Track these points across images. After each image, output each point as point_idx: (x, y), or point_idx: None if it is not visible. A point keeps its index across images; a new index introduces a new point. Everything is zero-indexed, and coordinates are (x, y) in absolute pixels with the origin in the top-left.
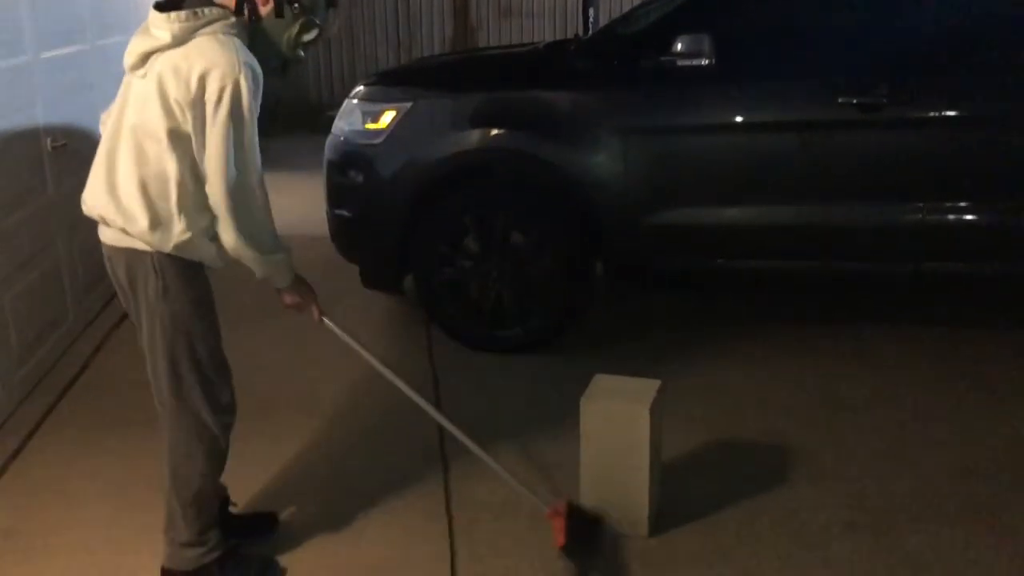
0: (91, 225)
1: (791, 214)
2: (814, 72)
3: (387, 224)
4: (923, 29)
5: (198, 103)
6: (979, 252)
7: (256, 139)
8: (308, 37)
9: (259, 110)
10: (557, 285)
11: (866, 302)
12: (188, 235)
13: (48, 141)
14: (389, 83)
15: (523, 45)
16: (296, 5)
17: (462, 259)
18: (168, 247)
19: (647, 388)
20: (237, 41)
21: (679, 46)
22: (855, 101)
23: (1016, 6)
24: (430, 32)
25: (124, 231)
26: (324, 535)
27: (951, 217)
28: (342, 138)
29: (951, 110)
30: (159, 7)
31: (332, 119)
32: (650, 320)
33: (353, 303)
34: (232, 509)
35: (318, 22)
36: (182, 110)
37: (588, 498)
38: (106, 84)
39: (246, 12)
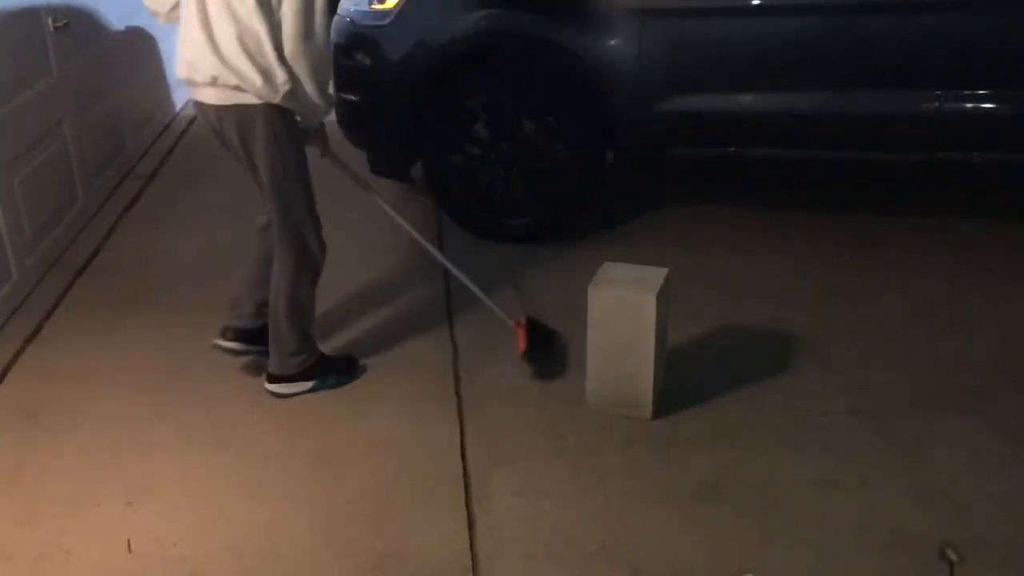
0: (98, 107)
1: (806, 102)
2: None
3: (395, 109)
4: None
5: None
6: (995, 141)
7: (325, 6)
8: None
9: None
10: (568, 173)
11: (873, 193)
12: (289, 84)
13: (50, 21)
14: None
15: None
16: None
17: (471, 146)
18: (277, 98)
19: (654, 276)
20: None
21: None
22: None
23: None
24: None
25: (237, 88)
26: (334, 412)
27: (968, 105)
28: (348, 19)
29: None
30: None
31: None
32: (660, 210)
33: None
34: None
35: None
36: None
37: (594, 381)
38: None
39: None
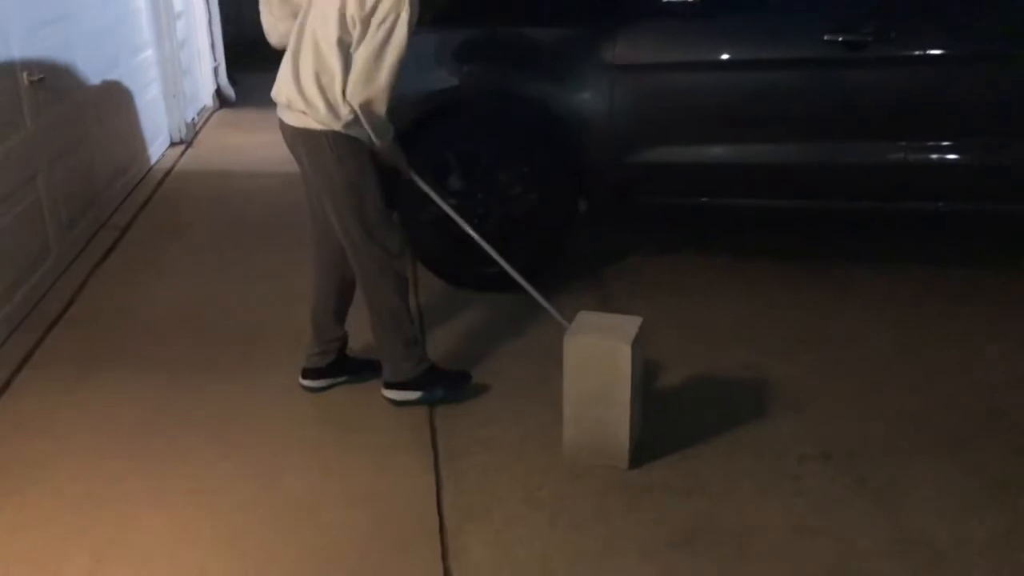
0: (72, 160)
1: (775, 153)
2: (801, 9)
3: None
4: None
5: (367, 21)
6: (959, 191)
7: (399, 58)
8: None
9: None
10: (541, 222)
11: (846, 240)
12: (352, 117)
13: (25, 76)
14: None
15: None
16: None
17: (447, 196)
18: (338, 126)
19: (629, 324)
20: None
21: None
22: (841, 39)
23: None
24: None
25: (305, 114)
26: (309, 464)
27: (933, 156)
28: None
29: (932, 49)
30: None
31: None
32: (633, 257)
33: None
34: (348, 352)
35: None
36: (354, 24)
37: (570, 429)
38: (83, 15)
39: None
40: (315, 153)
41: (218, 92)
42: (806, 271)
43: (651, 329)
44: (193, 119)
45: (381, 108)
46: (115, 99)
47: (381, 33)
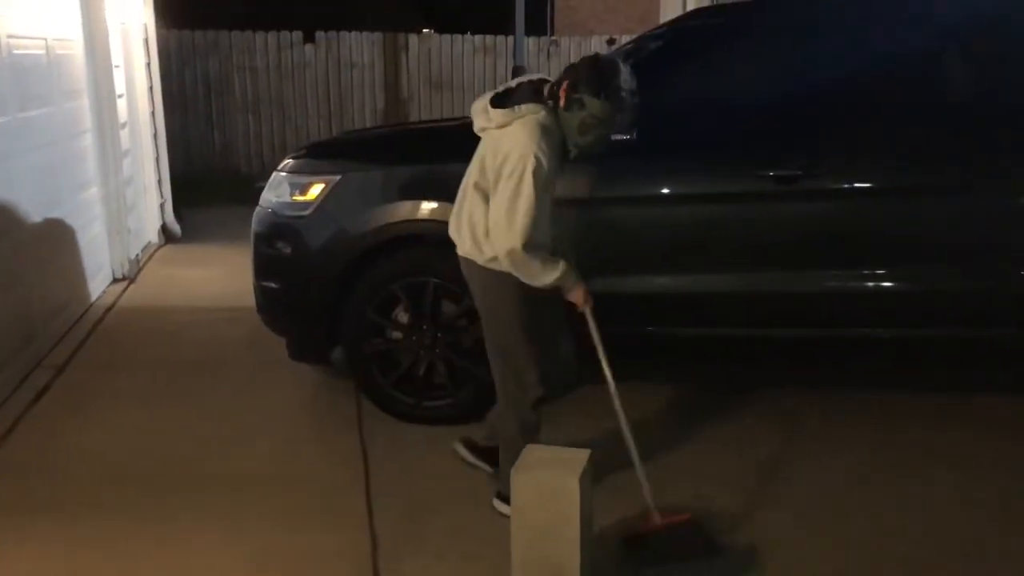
0: (8, 297)
1: (717, 283)
2: (733, 146)
3: (315, 296)
4: (835, 105)
5: (500, 170)
6: (895, 317)
7: (529, 208)
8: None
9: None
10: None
11: (789, 368)
12: (493, 256)
13: None
14: (318, 156)
15: (453, 119)
16: (584, 110)
17: (392, 329)
18: (482, 261)
19: (577, 457)
20: (540, 128)
21: None
22: (771, 173)
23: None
24: (361, 104)
25: (464, 243)
26: None
27: (868, 284)
28: (270, 210)
29: (858, 182)
30: (494, 103)
31: (261, 190)
32: (580, 388)
33: (281, 375)
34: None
35: (600, 133)
36: (492, 174)
37: (519, 571)
38: (27, 155)
39: (550, 104)
40: (470, 278)
41: (164, 228)
42: (750, 400)
43: (599, 461)
44: (137, 255)
45: (522, 254)
46: (57, 236)
47: (512, 181)
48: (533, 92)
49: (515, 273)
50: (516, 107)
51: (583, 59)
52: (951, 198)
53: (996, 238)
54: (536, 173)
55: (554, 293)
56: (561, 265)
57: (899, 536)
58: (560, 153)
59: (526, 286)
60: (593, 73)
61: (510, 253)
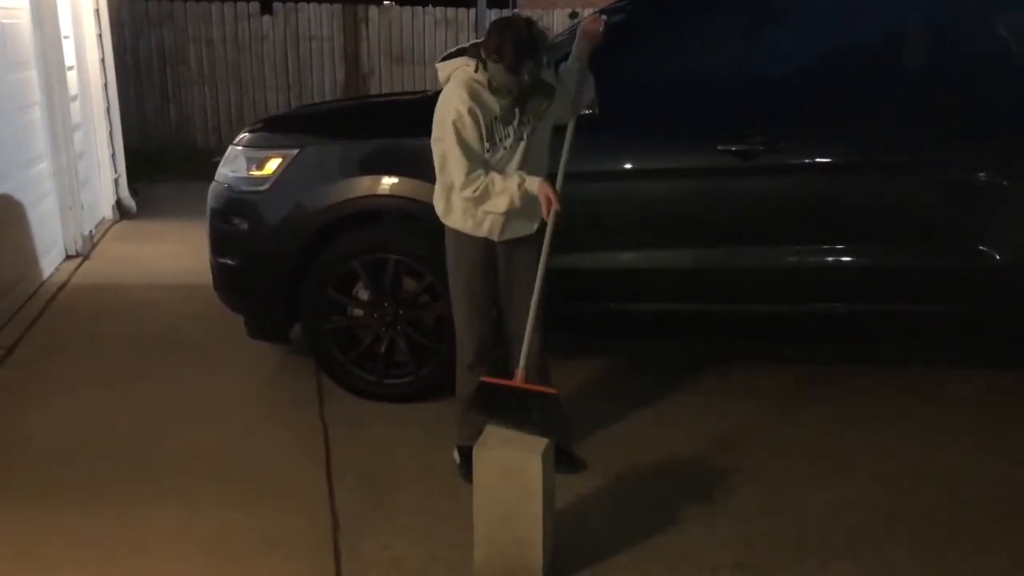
0: None
1: (678, 258)
2: (694, 121)
3: (273, 272)
4: (796, 81)
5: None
6: (853, 293)
7: (460, 154)
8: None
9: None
10: (450, 331)
11: (749, 342)
12: (444, 213)
13: None
14: (275, 130)
15: (413, 92)
16: (487, 72)
17: (352, 306)
18: (440, 217)
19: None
20: (463, 87)
21: None
22: (733, 148)
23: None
24: (320, 78)
25: None
26: None
27: (827, 259)
28: (226, 185)
29: (819, 157)
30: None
31: (218, 165)
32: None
33: (239, 354)
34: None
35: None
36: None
37: (481, 547)
38: None
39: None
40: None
41: (118, 204)
42: (713, 374)
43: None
44: (91, 231)
45: (470, 191)
46: (5, 212)
47: (434, 135)
48: (475, 49)
49: (487, 208)
50: (448, 61)
51: (506, 21)
52: (911, 174)
53: (956, 214)
54: (457, 123)
55: (531, 266)
56: (516, 175)
57: (850, 509)
58: (506, 105)
59: (483, 251)
60: (499, 39)
61: (461, 194)
